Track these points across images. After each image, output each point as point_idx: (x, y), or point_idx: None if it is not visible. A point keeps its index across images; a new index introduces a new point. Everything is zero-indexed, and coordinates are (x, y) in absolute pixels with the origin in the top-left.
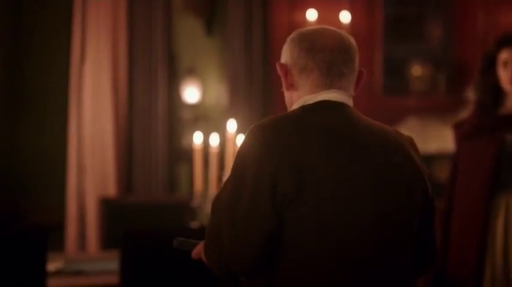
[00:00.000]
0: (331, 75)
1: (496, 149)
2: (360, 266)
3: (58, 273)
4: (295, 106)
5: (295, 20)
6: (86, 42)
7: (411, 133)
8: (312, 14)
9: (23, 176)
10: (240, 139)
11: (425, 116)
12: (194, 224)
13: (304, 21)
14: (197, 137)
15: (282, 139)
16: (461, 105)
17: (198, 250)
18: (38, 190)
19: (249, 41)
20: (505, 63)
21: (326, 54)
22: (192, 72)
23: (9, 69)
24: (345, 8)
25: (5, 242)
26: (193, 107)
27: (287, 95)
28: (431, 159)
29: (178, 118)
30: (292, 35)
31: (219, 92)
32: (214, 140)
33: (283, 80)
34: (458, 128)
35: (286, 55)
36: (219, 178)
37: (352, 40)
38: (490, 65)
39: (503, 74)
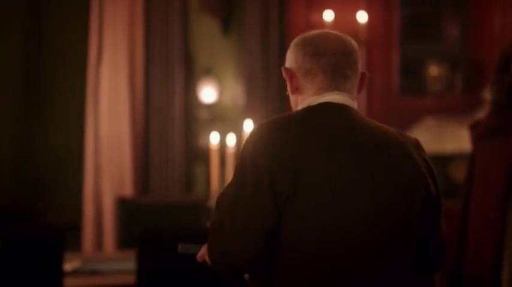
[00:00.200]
0: (335, 78)
1: None
2: (357, 265)
3: (75, 273)
4: (299, 108)
5: (312, 20)
6: (102, 42)
7: (428, 133)
8: (328, 14)
9: (41, 176)
10: None
11: (442, 116)
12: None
13: (321, 21)
14: (214, 137)
15: (281, 139)
16: (478, 105)
17: (202, 253)
18: (55, 190)
19: (265, 41)
20: None
21: (330, 57)
22: (209, 72)
23: (27, 69)
24: (361, 8)
25: (22, 242)
26: (209, 107)
27: (292, 98)
28: (448, 159)
29: (194, 118)
30: (295, 40)
31: (236, 92)
32: (231, 140)
33: (288, 84)
34: (474, 128)
35: (290, 60)
36: None
37: (354, 43)
38: (506, 65)
39: None
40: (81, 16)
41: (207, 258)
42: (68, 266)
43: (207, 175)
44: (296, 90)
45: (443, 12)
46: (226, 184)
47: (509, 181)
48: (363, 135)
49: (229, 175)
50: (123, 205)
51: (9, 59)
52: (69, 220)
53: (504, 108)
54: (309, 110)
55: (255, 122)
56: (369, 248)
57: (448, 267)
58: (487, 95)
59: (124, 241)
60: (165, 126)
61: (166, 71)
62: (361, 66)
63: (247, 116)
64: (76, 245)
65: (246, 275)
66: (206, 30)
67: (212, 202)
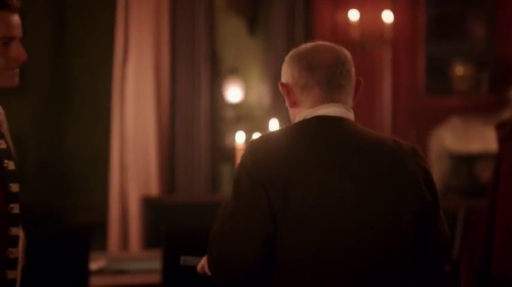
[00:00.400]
0: (331, 89)
1: None
2: (350, 275)
3: (100, 272)
4: (296, 121)
5: (338, 20)
6: (128, 42)
7: (453, 133)
8: (354, 14)
9: (67, 176)
10: None
11: (468, 116)
12: None
13: (347, 21)
14: (239, 137)
15: (271, 156)
16: (503, 104)
17: (202, 264)
18: (82, 189)
19: (291, 41)
20: None
21: (324, 70)
22: (235, 71)
23: (53, 69)
24: (387, 8)
25: (49, 241)
26: (235, 106)
27: (291, 111)
28: (473, 159)
29: (220, 117)
30: (290, 55)
31: (262, 92)
32: None
33: (286, 98)
34: (500, 128)
35: (286, 75)
36: None
37: (347, 52)
38: None
39: None
40: (107, 16)
41: (206, 269)
42: (93, 265)
43: (232, 174)
44: (294, 104)
45: (469, 12)
46: None
47: None
48: (355, 146)
49: None
50: (148, 204)
51: (36, 59)
52: (95, 220)
53: None
54: (303, 123)
55: (280, 122)
56: (361, 258)
57: (475, 266)
58: None
59: (149, 241)
60: (191, 126)
61: (192, 71)
62: (354, 73)
63: (273, 116)
64: (102, 244)
65: None
66: (232, 30)
67: None
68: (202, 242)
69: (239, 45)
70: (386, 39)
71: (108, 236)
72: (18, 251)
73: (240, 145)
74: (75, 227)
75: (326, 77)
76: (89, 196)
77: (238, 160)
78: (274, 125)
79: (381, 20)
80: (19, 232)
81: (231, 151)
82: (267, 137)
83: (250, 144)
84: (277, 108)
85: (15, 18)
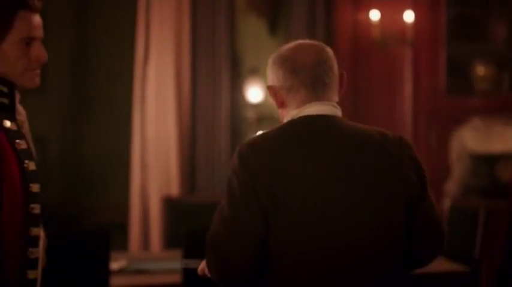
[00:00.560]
0: (316, 89)
1: None
2: (343, 274)
3: (121, 272)
4: (284, 121)
5: (359, 20)
6: (149, 42)
7: (475, 134)
8: (375, 14)
9: (88, 176)
10: None
11: (489, 116)
12: None
13: (368, 21)
14: None
15: (259, 158)
16: None
17: (202, 267)
18: (102, 189)
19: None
20: None
21: (308, 70)
22: (256, 72)
23: (74, 69)
24: (408, 8)
25: (69, 240)
26: (256, 106)
27: (280, 112)
28: (495, 159)
29: (241, 118)
30: (273, 58)
31: None
32: None
33: (274, 100)
34: None
35: (272, 77)
36: None
37: (328, 49)
38: None
39: None
40: (128, 16)
41: (207, 271)
42: (114, 265)
43: None
44: (282, 105)
45: (490, 12)
46: None
47: None
48: (340, 143)
49: None
50: (169, 204)
51: (58, 59)
52: (116, 220)
53: None
54: (289, 124)
55: None
56: (353, 254)
57: (495, 266)
58: None
59: (170, 241)
60: (211, 126)
61: (213, 71)
62: (337, 67)
63: None
64: (123, 244)
65: None
66: (253, 30)
67: None
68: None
69: (260, 46)
70: (407, 39)
71: (129, 236)
72: (39, 251)
73: None
74: (96, 227)
75: (310, 77)
76: (109, 196)
77: None
78: None
79: (402, 20)
80: (39, 232)
81: None
82: (255, 141)
83: (239, 148)
84: None
85: (37, 19)
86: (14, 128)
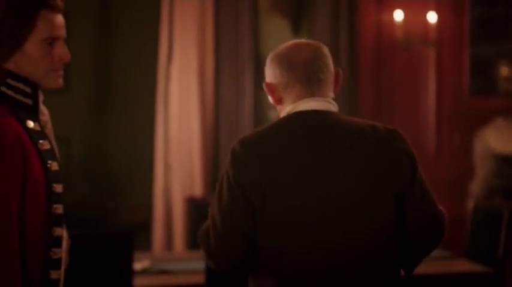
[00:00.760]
0: (312, 85)
1: None
2: (331, 272)
3: (144, 272)
4: (280, 116)
5: (383, 20)
6: (173, 42)
7: (498, 134)
8: (398, 15)
9: (111, 176)
10: None
11: None
12: None
13: (392, 22)
14: None
15: (249, 156)
16: None
17: None
18: (126, 189)
19: (336, 42)
20: None
21: (303, 67)
22: None
23: (98, 69)
24: (431, 9)
25: (93, 241)
26: None
27: (278, 108)
28: None
29: (264, 118)
30: (270, 56)
31: None
32: None
33: (271, 97)
34: None
35: (269, 75)
36: None
37: (323, 47)
38: None
39: None
40: (151, 16)
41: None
42: (138, 265)
43: None
44: (279, 101)
45: None
46: None
47: None
48: (332, 138)
49: None
50: (192, 204)
51: (81, 59)
52: (140, 220)
53: None
54: (283, 120)
55: None
56: (344, 250)
57: None
58: None
59: (193, 241)
60: (235, 127)
61: (236, 71)
62: (332, 65)
63: None
64: (146, 245)
65: None
66: (276, 30)
67: None
68: None
69: None
70: (431, 40)
71: (152, 237)
72: (62, 252)
73: None
74: (119, 228)
75: (305, 74)
76: (133, 196)
77: None
78: None
79: (425, 20)
80: (63, 232)
81: None
82: (247, 138)
83: (232, 145)
84: None
85: (59, 18)
86: (37, 128)
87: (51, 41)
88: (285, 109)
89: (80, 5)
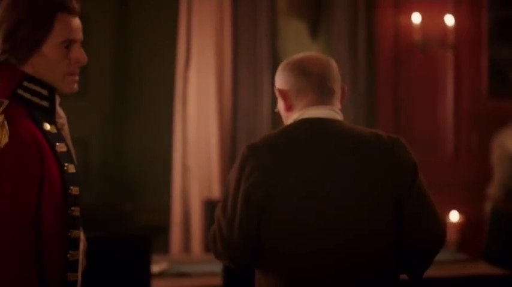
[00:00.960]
0: (323, 94)
1: None
2: (332, 273)
3: (162, 275)
4: (288, 123)
5: (400, 23)
6: (191, 44)
7: None
8: (416, 17)
9: (129, 178)
10: None
11: None
12: None
13: (410, 24)
14: None
15: (256, 160)
16: None
17: None
18: (144, 192)
19: (353, 45)
20: None
21: (317, 76)
22: None
23: (116, 72)
24: (449, 11)
25: (111, 243)
26: None
27: (284, 115)
28: None
29: (282, 121)
30: (283, 65)
31: None
32: None
33: (283, 103)
34: None
35: (281, 81)
36: None
37: (333, 60)
38: None
39: None
40: (169, 19)
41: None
42: (155, 268)
43: None
44: (289, 108)
45: None
46: None
47: None
48: (336, 145)
49: None
50: (210, 207)
51: (99, 63)
52: (157, 222)
53: None
54: (290, 126)
55: None
56: (344, 253)
57: None
58: None
59: None
60: (253, 129)
61: (254, 74)
62: (340, 79)
63: None
64: (164, 247)
65: None
66: (294, 33)
67: None
68: None
69: (301, 49)
70: (449, 42)
71: (170, 239)
72: (79, 254)
73: None
74: (137, 230)
75: (318, 82)
76: (151, 198)
77: None
78: None
79: (443, 23)
80: (80, 234)
81: None
82: (255, 142)
83: (241, 152)
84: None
85: (76, 21)
86: (54, 131)
87: (68, 43)
88: (294, 115)
89: (99, 9)
